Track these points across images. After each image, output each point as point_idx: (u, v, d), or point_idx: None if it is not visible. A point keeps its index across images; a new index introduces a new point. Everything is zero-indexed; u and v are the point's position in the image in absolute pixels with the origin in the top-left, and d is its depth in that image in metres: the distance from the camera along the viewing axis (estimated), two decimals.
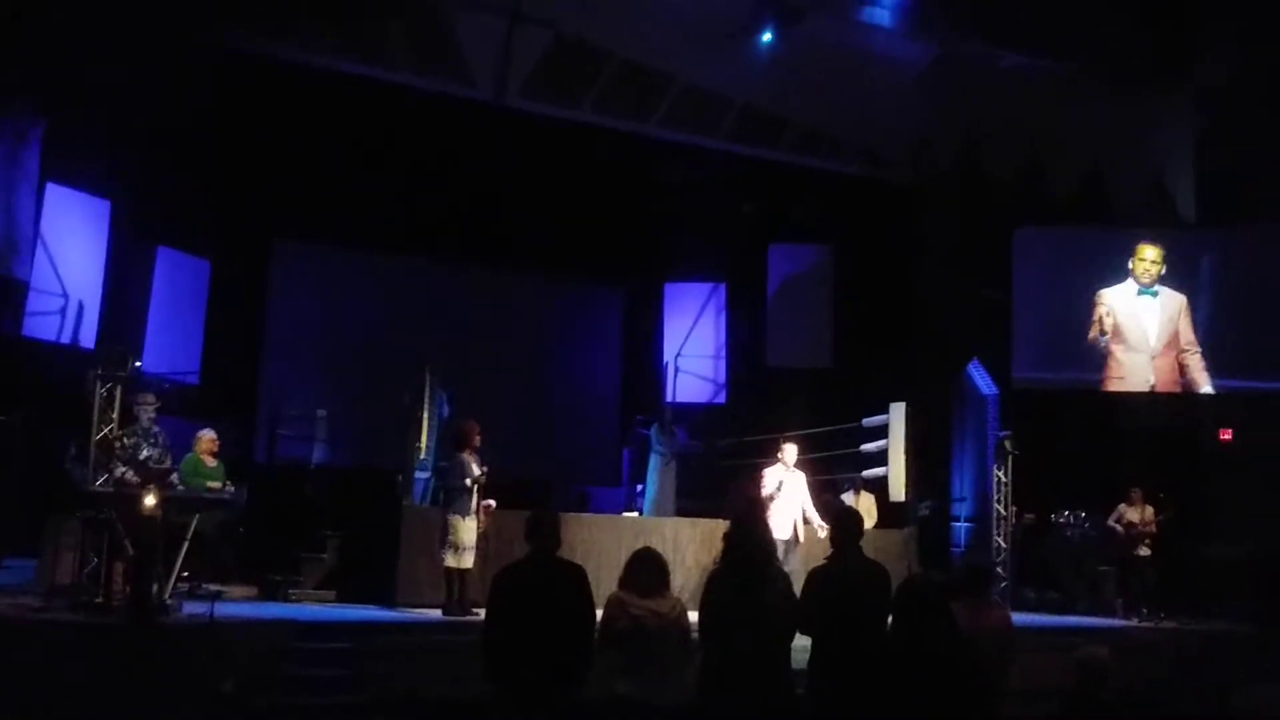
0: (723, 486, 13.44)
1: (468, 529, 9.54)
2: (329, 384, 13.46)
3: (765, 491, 10.26)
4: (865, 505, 12.08)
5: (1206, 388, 14.10)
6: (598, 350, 16.10)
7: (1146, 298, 14.33)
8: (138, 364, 9.65)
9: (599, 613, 5.17)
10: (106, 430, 9.04)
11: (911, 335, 14.59)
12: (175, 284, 12.63)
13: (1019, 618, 8.70)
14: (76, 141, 10.82)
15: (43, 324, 11.07)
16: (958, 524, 13.61)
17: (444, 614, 9.41)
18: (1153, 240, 14.37)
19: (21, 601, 8.43)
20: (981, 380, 13.52)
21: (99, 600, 8.16)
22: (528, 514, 5.28)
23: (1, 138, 10.39)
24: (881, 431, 12.68)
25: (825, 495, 11.64)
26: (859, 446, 12.99)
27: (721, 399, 16.11)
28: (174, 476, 9.50)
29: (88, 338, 11.28)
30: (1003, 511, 12.66)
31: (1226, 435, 14.10)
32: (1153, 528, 12.37)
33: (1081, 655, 5.51)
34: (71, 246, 11.34)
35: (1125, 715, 5.82)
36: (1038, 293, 14.46)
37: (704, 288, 16.35)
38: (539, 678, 4.87)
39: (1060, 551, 13.73)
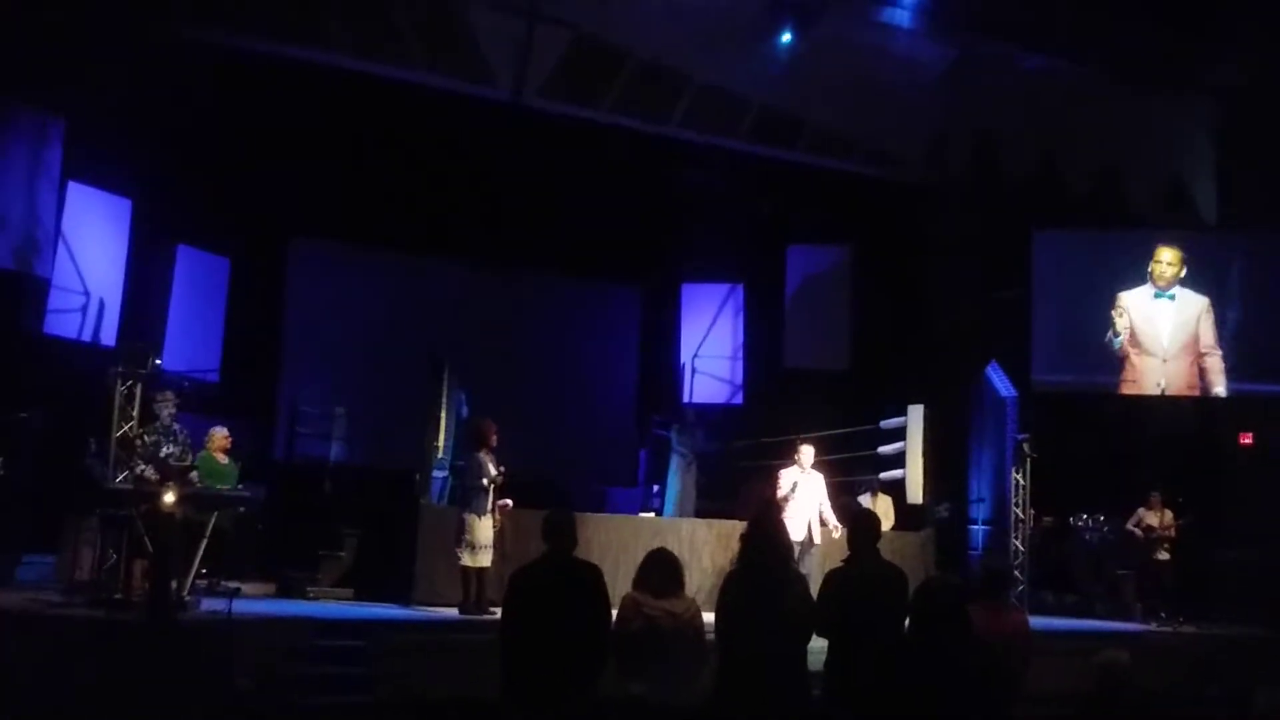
0: (739, 488, 13.44)
1: (484, 528, 9.55)
2: (347, 382, 13.50)
3: (781, 493, 10.24)
4: (883, 507, 12.03)
5: (1220, 390, 14.00)
6: (615, 350, 16.08)
7: (1163, 301, 14.23)
8: (158, 361, 9.71)
9: (615, 613, 5.15)
10: (126, 428, 9.09)
11: (930, 337, 14.53)
12: (195, 282, 12.67)
13: (1037, 621, 8.67)
14: (98, 141, 10.88)
15: (64, 322, 11.13)
16: (975, 527, 13.55)
17: (460, 613, 9.42)
18: (1171, 242, 14.27)
19: (42, 597, 8.48)
20: (1000, 383, 13.46)
21: (118, 596, 8.20)
22: (544, 513, 5.28)
23: (22, 136, 10.46)
24: (899, 434, 12.62)
25: (842, 497, 11.60)
26: (876, 448, 12.94)
27: (738, 400, 16.07)
28: (194, 474, 9.54)
29: (108, 335, 11.33)
30: (1021, 515, 12.59)
31: (1247, 439, 14.00)
32: (1172, 531, 12.28)
33: (1102, 660, 5.46)
34: (93, 244, 11.40)
35: None
36: (1057, 295, 14.39)
37: (721, 288, 16.31)
38: (554, 677, 4.86)
39: (1079, 555, 13.66)
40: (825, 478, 10.70)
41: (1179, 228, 14.45)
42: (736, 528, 7.10)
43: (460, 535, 9.54)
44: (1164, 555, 12.28)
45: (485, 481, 9.57)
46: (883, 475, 12.59)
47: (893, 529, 11.58)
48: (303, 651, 7.96)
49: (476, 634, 8.35)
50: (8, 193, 10.32)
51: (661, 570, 5.30)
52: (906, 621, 4.69)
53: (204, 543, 8.62)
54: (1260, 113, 13.60)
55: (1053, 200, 14.38)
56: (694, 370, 16.12)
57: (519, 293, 15.12)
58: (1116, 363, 14.20)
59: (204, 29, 11.40)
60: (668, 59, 13.37)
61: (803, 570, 7.76)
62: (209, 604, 8.27)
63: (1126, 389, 14.20)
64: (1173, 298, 14.21)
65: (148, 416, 9.38)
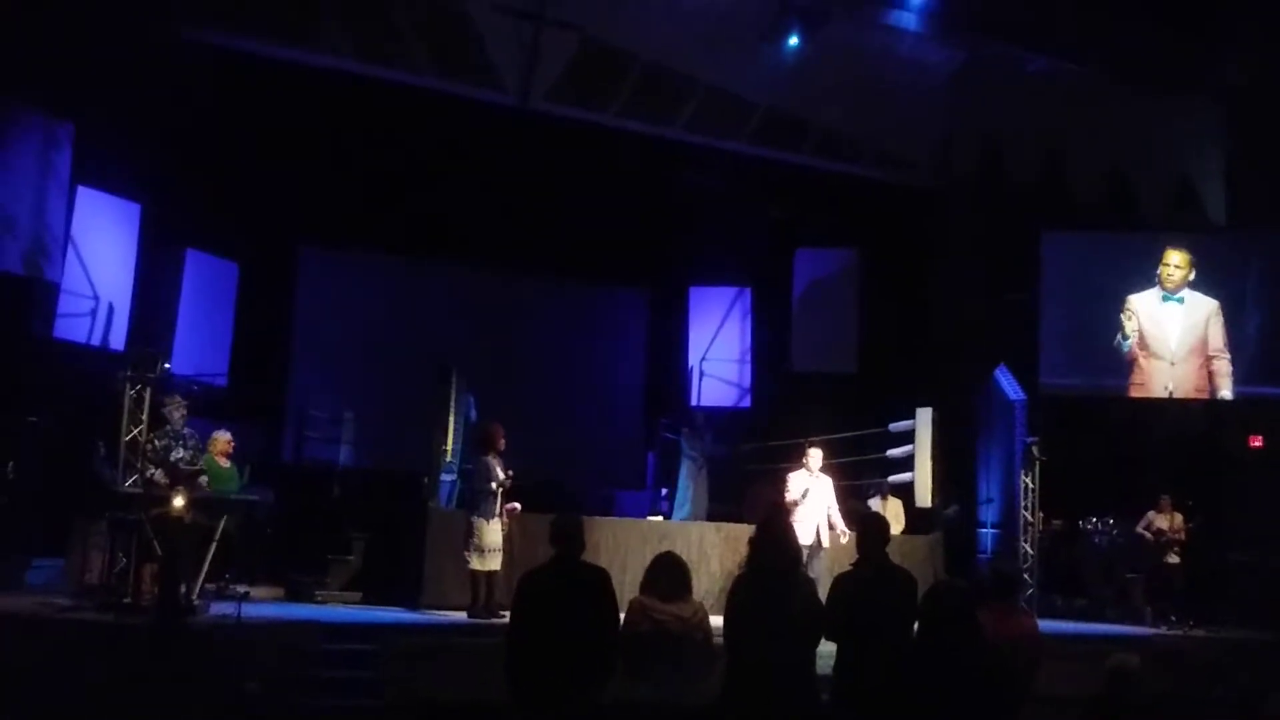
0: (747, 491, 13.42)
1: (493, 531, 9.54)
2: (355, 386, 13.51)
3: (789, 497, 10.22)
4: (893, 511, 12.02)
5: (1226, 393, 13.94)
6: (622, 354, 16.08)
7: (1171, 304, 14.17)
8: (167, 366, 9.72)
9: (622, 617, 5.14)
10: (135, 431, 9.10)
11: (938, 340, 14.50)
12: (204, 286, 12.70)
13: (1046, 625, 8.63)
14: (107, 145, 10.90)
15: (73, 326, 11.15)
16: (984, 530, 13.51)
17: (469, 616, 9.41)
18: (1180, 245, 14.22)
19: (51, 601, 8.49)
20: (1009, 386, 13.42)
21: (127, 600, 8.21)
22: (552, 517, 5.28)
23: (31, 140, 10.48)
24: (908, 437, 12.59)
25: (850, 501, 11.58)
26: (885, 452, 12.92)
27: (746, 403, 16.05)
28: (203, 479, 9.56)
29: (118, 339, 11.35)
30: (1030, 518, 12.55)
31: (1257, 442, 13.94)
32: (1182, 535, 12.23)
33: (1112, 664, 5.45)
34: (102, 249, 11.42)
35: None
36: (1065, 297, 14.34)
37: (729, 292, 16.29)
38: (561, 682, 4.86)
39: (1088, 558, 13.60)
40: (833, 481, 10.68)
41: (1187, 229, 14.40)
42: (745, 531, 7.09)
43: (468, 539, 9.54)
44: (1174, 559, 12.23)
45: (493, 485, 9.57)
46: (891, 478, 12.57)
47: (902, 533, 11.55)
48: (311, 655, 7.96)
49: (485, 638, 8.33)
50: (17, 197, 10.33)
51: (669, 574, 5.30)
52: (915, 625, 4.67)
53: (213, 547, 8.62)
54: (1266, 112, 13.57)
55: (1060, 202, 14.35)
56: (702, 373, 16.10)
57: (526, 296, 15.12)
58: (1125, 366, 14.16)
59: (210, 32, 11.43)
60: (674, 62, 13.37)
61: (811, 574, 7.75)
62: (218, 608, 8.27)
63: (1135, 392, 14.15)
64: (1181, 301, 14.15)
65: (156, 420, 9.39)
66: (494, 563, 9.50)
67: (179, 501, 8.11)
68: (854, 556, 5.82)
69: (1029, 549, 12.47)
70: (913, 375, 13.85)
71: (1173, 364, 14.04)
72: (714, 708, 5.04)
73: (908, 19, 12.92)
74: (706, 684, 5.22)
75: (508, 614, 5.22)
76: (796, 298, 15.56)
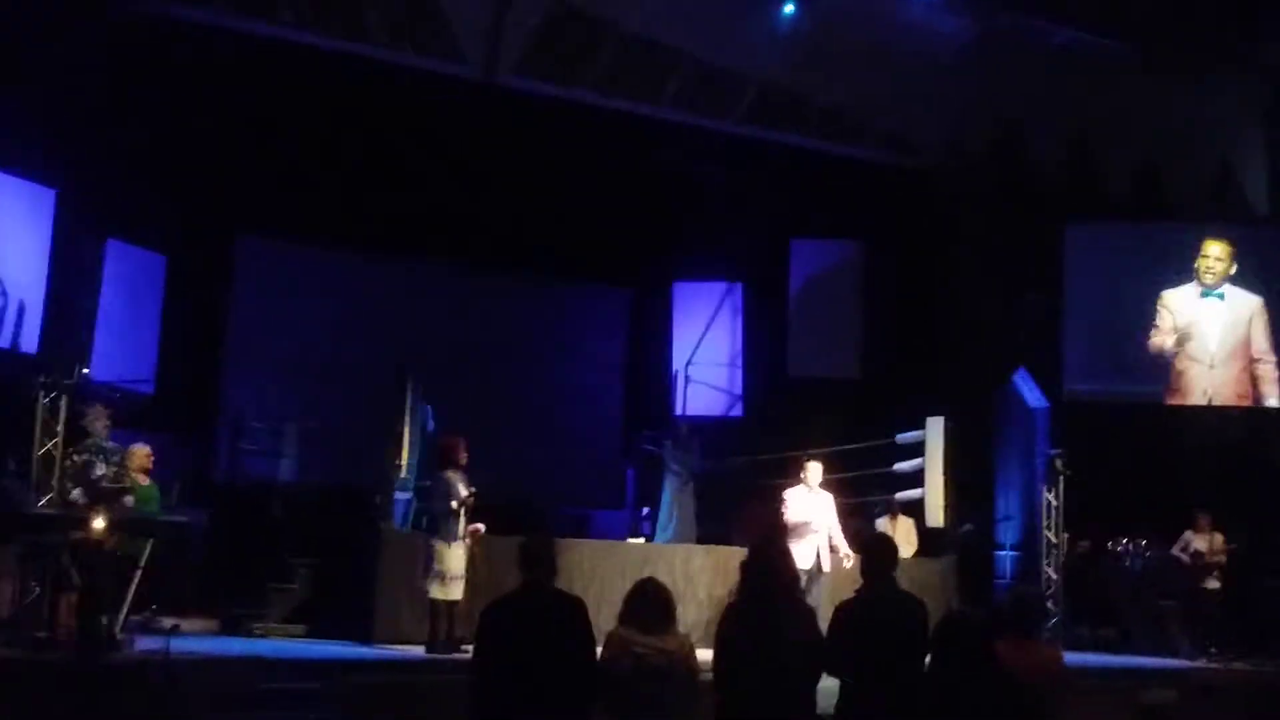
0: (739, 510, 13.44)
1: (455, 556, 9.54)
2: (299, 394, 13.48)
3: (786, 516, 10.25)
4: (903, 531, 12.08)
5: (1273, 400, 14.05)
6: (599, 358, 16.10)
7: (1211, 300, 14.27)
8: (85, 371, 9.67)
9: (599, 651, 5.15)
10: (50, 445, 9.05)
11: (950, 341, 14.57)
12: (127, 281, 12.61)
13: (1072, 657, 8.69)
14: (18, 122, 10.82)
15: None
16: (1003, 552, 13.58)
17: (427, 651, 9.42)
18: (1219, 235, 14.33)
19: None
20: (1029, 392, 13.50)
21: (42, 635, 8.15)
22: (520, 539, 5.27)
23: None
24: (917, 449, 12.66)
25: (854, 520, 11.61)
26: (892, 466, 12.97)
27: (738, 412, 16.10)
28: (129, 498, 9.50)
29: (29, 342, 11.25)
30: (1053, 538, 12.63)
31: None
32: (1222, 557, 12.34)
33: (1147, 700, 5.49)
34: (11, 239, 11.33)
35: None
36: (1091, 295, 14.45)
37: (718, 287, 16.33)
38: None
39: (1118, 583, 13.68)
40: (835, 498, 10.71)
41: (1227, 219, 14.52)
42: (736, 554, 7.10)
43: (428, 565, 9.54)
44: (1213, 583, 12.34)
45: (454, 504, 9.57)
46: (899, 495, 12.62)
47: (912, 555, 11.60)
48: (249, 696, 7.93)
49: (445, 675, 8.34)
50: None
51: (650, 603, 5.30)
52: (927, 658, 4.68)
53: (139, 574, 8.58)
54: None
55: (1086, 190, 14.46)
56: (688, 379, 16.13)
57: (492, 294, 15.14)
58: (1160, 369, 14.24)
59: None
60: (657, 31, 13.41)
61: (810, 602, 7.76)
62: (144, 643, 8.23)
63: (1170, 398, 14.25)
64: (1222, 296, 14.26)
65: (75, 433, 9.33)
66: (455, 591, 9.49)
67: (100, 524, 8.05)
68: (857, 582, 5.84)
69: (1052, 573, 12.55)
70: (922, 381, 13.92)
71: (1212, 367, 14.14)
72: None
73: None
74: None
75: (471, 649, 5.22)
76: (793, 295, 15.63)
